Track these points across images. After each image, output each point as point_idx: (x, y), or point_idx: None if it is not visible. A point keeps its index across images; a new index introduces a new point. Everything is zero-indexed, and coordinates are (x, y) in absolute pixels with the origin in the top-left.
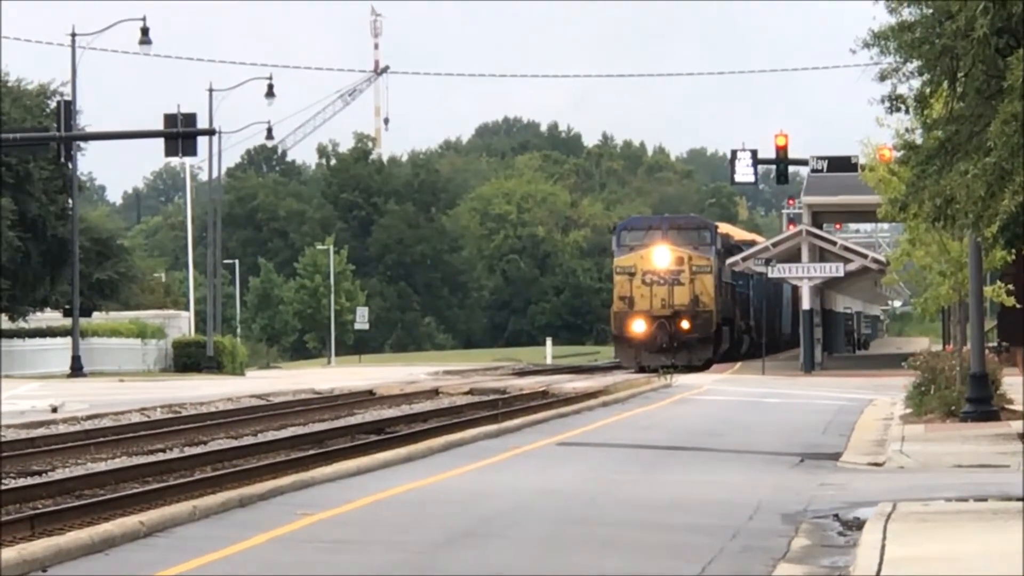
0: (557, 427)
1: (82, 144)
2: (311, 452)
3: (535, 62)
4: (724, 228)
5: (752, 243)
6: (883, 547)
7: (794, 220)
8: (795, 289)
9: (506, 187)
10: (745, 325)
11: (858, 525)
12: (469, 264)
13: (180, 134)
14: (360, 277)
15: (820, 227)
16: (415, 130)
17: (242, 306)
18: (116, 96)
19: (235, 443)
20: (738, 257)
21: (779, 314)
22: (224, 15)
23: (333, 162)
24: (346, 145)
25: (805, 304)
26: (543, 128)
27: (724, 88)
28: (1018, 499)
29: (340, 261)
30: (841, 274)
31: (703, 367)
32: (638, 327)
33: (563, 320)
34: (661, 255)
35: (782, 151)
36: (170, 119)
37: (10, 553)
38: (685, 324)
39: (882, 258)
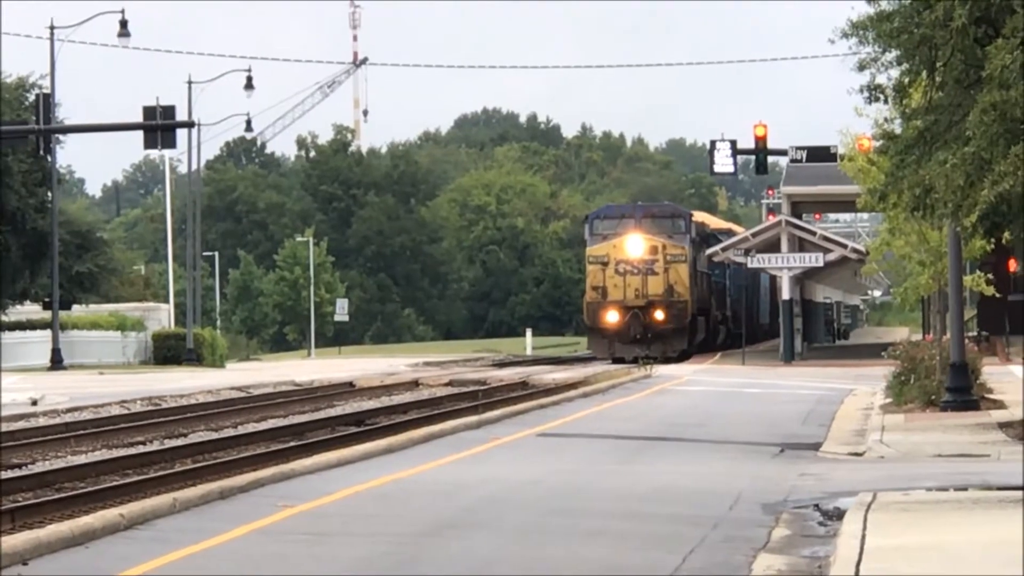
0: (537, 418)
1: (61, 137)
2: (291, 444)
3: (514, 53)
4: (699, 216)
5: (728, 232)
6: (863, 537)
7: (773, 210)
8: (773, 279)
9: (485, 178)
10: (721, 315)
11: (838, 515)
12: (449, 255)
13: (159, 126)
14: (340, 269)
15: (800, 217)
16: (394, 122)
17: (222, 298)
18: (95, 89)
19: (215, 435)
20: (717, 247)
21: (757, 304)
22: (203, 8)
23: (312, 154)
24: (325, 137)
25: (785, 294)
26: (522, 119)
27: (703, 79)
28: (1000, 488)
29: (320, 253)
30: (821, 264)
31: (678, 358)
32: (611, 318)
33: (543, 311)
34: (634, 244)
35: (761, 141)
36: (149, 112)
37: None
38: (659, 314)
39: (861, 248)
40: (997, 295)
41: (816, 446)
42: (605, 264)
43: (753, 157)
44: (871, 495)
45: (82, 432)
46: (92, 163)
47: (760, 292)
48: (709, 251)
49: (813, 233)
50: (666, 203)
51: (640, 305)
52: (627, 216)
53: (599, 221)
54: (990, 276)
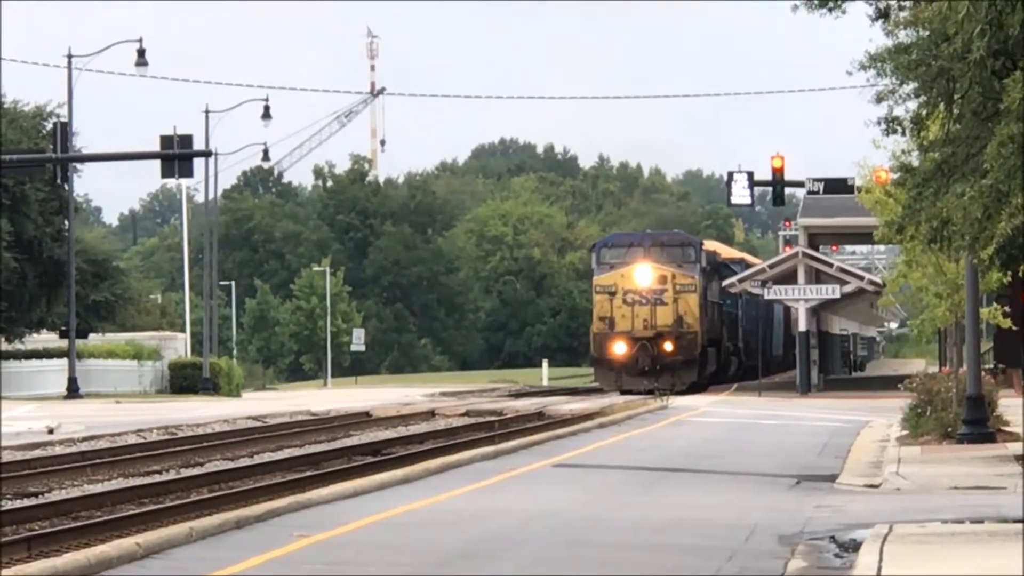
0: (554, 449)
1: (78, 165)
2: (308, 474)
3: (531, 84)
4: (710, 245)
5: (741, 261)
6: (879, 569)
7: (790, 242)
8: (787, 310)
9: (502, 209)
10: (733, 346)
11: (854, 547)
12: (465, 286)
13: (176, 155)
14: (356, 298)
15: (816, 249)
16: (411, 151)
17: (238, 328)
18: (112, 118)
19: (232, 464)
20: (734, 279)
21: (770, 335)
22: (221, 37)
23: (329, 183)
24: (342, 166)
25: (801, 326)
26: (539, 150)
27: (720, 110)
28: (1015, 521)
29: (336, 282)
30: (837, 296)
31: (688, 391)
32: (619, 349)
33: (559, 342)
34: (643, 273)
35: (778, 173)
36: (166, 140)
37: (7, 574)
38: (668, 346)
39: (878, 280)
40: (1014, 328)
41: (832, 478)
42: (612, 294)
43: (770, 189)
44: (887, 527)
45: (99, 461)
46: (109, 192)
47: (774, 323)
48: (725, 283)
49: (830, 265)
50: (676, 231)
51: (648, 336)
52: (636, 245)
53: (607, 249)
54: (1007, 309)
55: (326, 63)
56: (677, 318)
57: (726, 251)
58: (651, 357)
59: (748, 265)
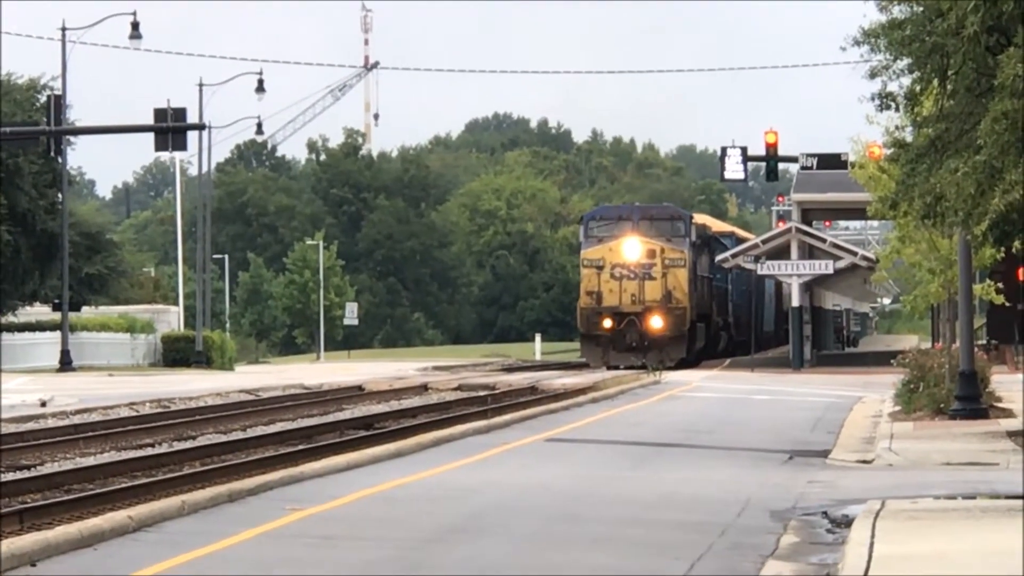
0: (546, 423)
1: (72, 138)
2: (300, 447)
3: (525, 58)
4: (700, 219)
5: (731, 235)
6: (872, 545)
7: (784, 217)
8: (779, 285)
9: (496, 183)
10: (723, 321)
11: (847, 522)
12: (458, 260)
13: (170, 129)
14: (349, 272)
15: (810, 224)
16: (405, 125)
17: (231, 301)
18: (106, 91)
19: (224, 438)
20: (727, 254)
21: (761, 310)
22: (214, 10)
23: (323, 157)
24: (336, 140)
25: (795, 301)
26: (533, 124)
27: (714, 85)
28: (1008, 496)
29: (329, 256)
30: (831, 271)
31: (678, 366)
32: (606, 324)
33: (552, 316)
34: (631, 247)
35: (772, 148)
36: (160, 114)
37: None
38: (657, 321)
39: (871, 255)
40: (1007, 304)
41: (825, 453)
42: (600, 268)
43: (764, 164)
44: (879, 503)
45: (91, 434)
46: (103, 165)
47: (765, 298)
48: (718, 258)
49: (823, 240)
50: (666, 204)
51: (636, 311)
52: (624, 218)
53: (595, 222)
54: (1000, 285)
55: (320, 36)
56: (666, 293)
57: (717, 225)
58: (639, 333)
59: (739, 239)
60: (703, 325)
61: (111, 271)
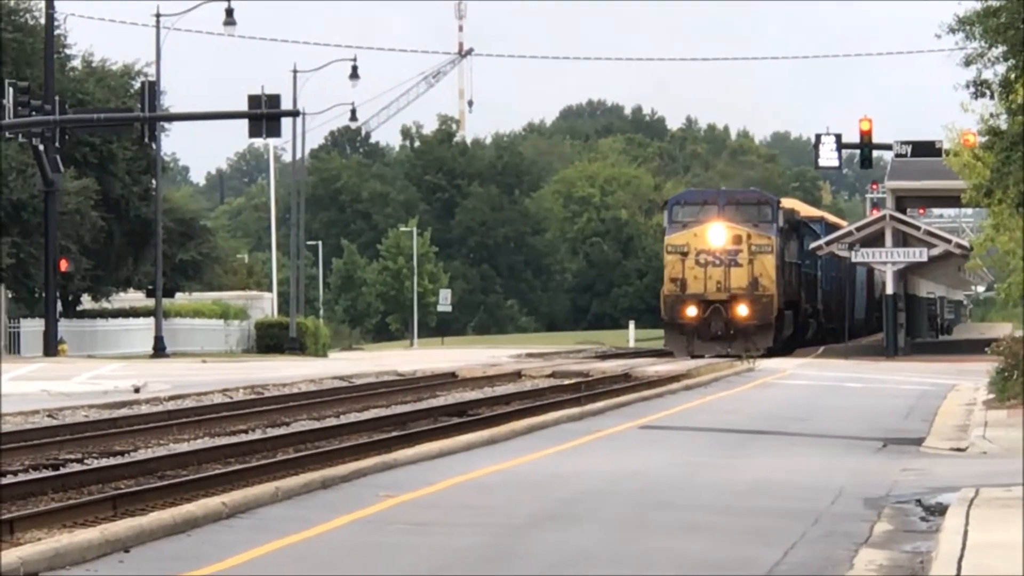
0: (640, 410)
1: (166, 125)
2: (393, 434)
3: (619, 45)
4: (788, 203)
5: (821, 220)
6: (965, 532)
7: (878, 205)
8: (870, 272)
9: (590, 170)
10: (812, 308)
11: (940, 510)
12: (552, 247)
13: (264, 115)
14: (443, 259)
15: (904, 212)
16: (499, 112)
17: (325, 287)
18: (200, 77)
19: (318, 424)
20: (821, 241)
21: (852, 298)
22: None
23: (417, 144)
24: (430, 127)
25: (889, 288)
26: (627, 111)
27: (809, 72)
28: None
29: (423, 243)
30: (924, 259)
31: (769, 355)
32: (691, 312)
33: (646, 303)
34: (717, 233)
35: (866, 135)
36: (254, 100)
37: (93, 533)
38: (743, 309)
39: (965, 243)
40: None
41: (918, 441)
42: (685, 254)
43: (858, 151)
44: (973, 491)
45: (184, 420)
46: (196, 151)
47: (856, 285)
48: (812, 245)
49: (917, 228)
50: (752, 189)
51: (722, 299)
52: (709, 203)
53: (679, 207)
54: None
55: (414, 23)
56: (752, 280)
57: (805, 209)
58: (724, 321)
59: (828, 224)
60: (791, 313)
61: (205, 257)
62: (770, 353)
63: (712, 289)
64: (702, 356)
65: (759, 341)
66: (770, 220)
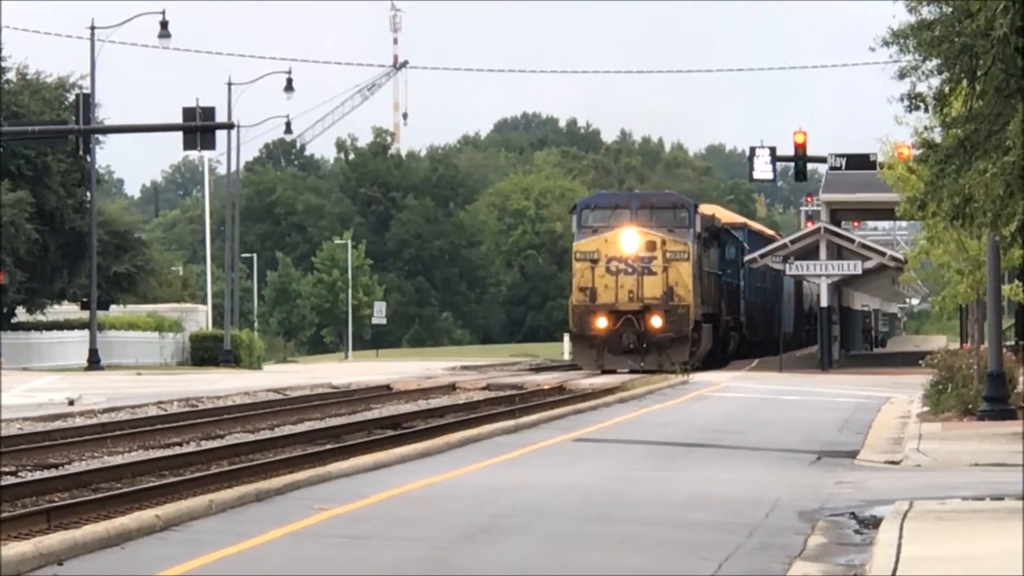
0: (574, 423)
1: (100, 137)
2: (328, 447)
3: (553, 58)
4: (708, 209)
5: (743, 226)
6: (900, 546)
7: (812, 217)
8: (798, 283)
9: (524, 183)
10: (733, 321)
11: (875, 523)
12: (487, 259)
13: (199, 128)
14: (378, 272)
15: (838, 224)
16: (434, 125)
17: (259, 300)
18: (135, 90)
19: (252, 437)
20: (755, 254)
21: (779, 310)
22: (243, 9)
23: (351, 156)
24: (365, 140)
25: (824, 301)
26: (561, 124)
27: (743, 85)
28: None
29: (358, 255)
30: (859, 272)
31: (704, 367)
32: (600, 324)
33: None
34: (629, 239)
35: (801, 148)
36: (189, 113)
37: (26, 547)
38: (656, 321)
39: (900, 256)
40: None
41: (853, 454)
42: (595, 261)
43: (792, 164)
44: (907, 504)
45: (119, 432)
46: (131, 164)
47: (783, 297)
48: (747, 258)
49: (852, 241)
50: (667, 192)
51: (634, 310)
52: (622, 206)
53: (589, 211)
54: None
55: (349, 36)
56: (667, 289)
57: (727, 216)
58: (637, 334)
59: (752, 231)
60: (710, 326)
61: (139, 270)
62: (709, 365)
63: (624, 299)
64: (613, 371)
65: (674, 355)
66: (687, 225)
